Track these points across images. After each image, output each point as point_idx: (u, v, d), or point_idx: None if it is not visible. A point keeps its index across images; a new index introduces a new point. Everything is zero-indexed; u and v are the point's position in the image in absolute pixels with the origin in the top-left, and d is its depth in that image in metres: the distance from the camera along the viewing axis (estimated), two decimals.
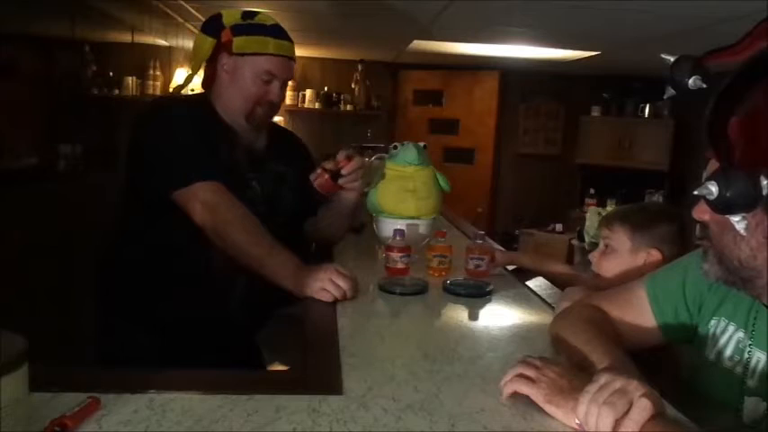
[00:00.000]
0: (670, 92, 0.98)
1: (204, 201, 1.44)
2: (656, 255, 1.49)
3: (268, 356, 1.83)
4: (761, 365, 0.99)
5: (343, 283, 1.39)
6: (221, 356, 1.43)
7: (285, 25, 1.65)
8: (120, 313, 1.60)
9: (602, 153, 6.08)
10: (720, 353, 1.07)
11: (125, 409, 0.86)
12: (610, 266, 1.53)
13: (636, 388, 0.82)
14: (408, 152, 1.90)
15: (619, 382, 0.83)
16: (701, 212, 0.97)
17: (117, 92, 3.18)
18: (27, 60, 2.34)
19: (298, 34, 4.54)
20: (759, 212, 0.87)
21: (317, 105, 5.85)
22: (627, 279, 1.42)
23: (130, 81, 3.38)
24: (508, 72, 6.12)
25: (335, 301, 1.38)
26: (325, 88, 5.94)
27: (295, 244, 1.55)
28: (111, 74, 3.11)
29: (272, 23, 1.61)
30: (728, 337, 1.07)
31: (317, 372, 1.06)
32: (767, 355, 0.99)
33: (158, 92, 3.79)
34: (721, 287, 1.05)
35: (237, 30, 1.57)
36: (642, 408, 0.80)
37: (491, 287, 1.59)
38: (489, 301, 1.54)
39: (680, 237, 1.50)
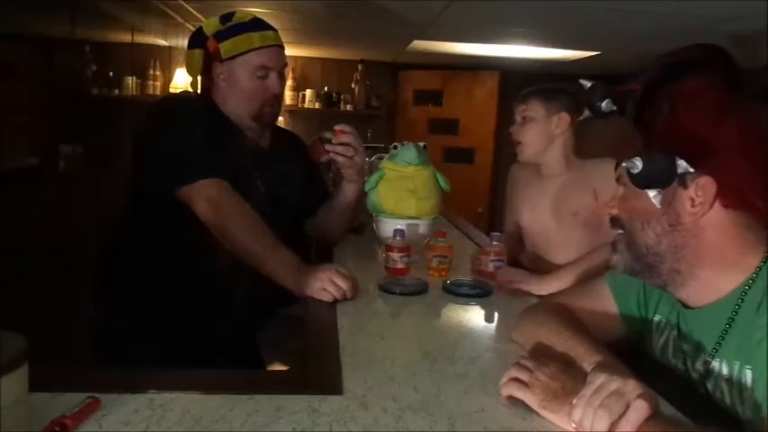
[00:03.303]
0: (586, 113, 1.14)
1: (208, 198, 1.45)
2: (565, 117, 1.91)
3: (268, 356, 1.83)
4: (693, 362, 1.03)
5: (343, 284, 1.39)
6: (221, 356, 1.43)
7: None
8: (121, 312, 1.61)
9: (602, 153, 6.07)
10: (663, 350, 1.12)
11: (125, 409, 0.86)
12: (530, 134, 1.92)
13: (633, 389, 0.82)
14: (408, 152, 1.90)
15: (615, 384, 0.83)
16: (610, 208, 1.08)
17: (117, 92, 3.19)
18: (27, 60, 2.34)
19: (298, 34, 4.55)
20: (671, 189, 0.98)
21: (317, 105, 5.85)
22: (545, 146, 1.92)
23: (130, 81, 3.39)
24: (508, 72, 6.11)
25: (335, 301, 1.38)
26: (326, 88, 5.94)
27: (296, 243, 1.55)
28: (111, 74, 3.11)
29: (250, 18, 1.62)
30: (667, 335, 1.11)
31: (317, 372, 1.06)
32: (695, 350, 1.02)
33: (158, 92, 3.79)
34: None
35: (220, 36, 1.59)
36: (639, 409, 0.80)
37: (491, 287, 1.59)
38: (489, 301, 1.54)
39: (577, 102, 1.92)
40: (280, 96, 1.66)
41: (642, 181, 0.99)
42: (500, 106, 6.23)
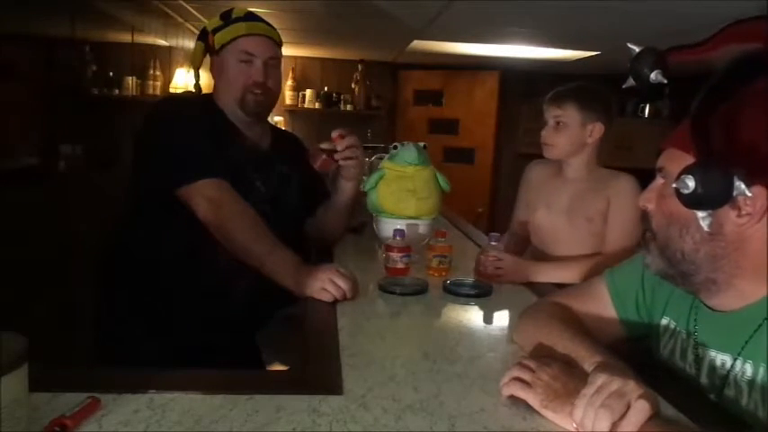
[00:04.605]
0: (630, 82, 1.00)
1: (209, 197, 1.45)
2: (600, 127, 1.86)
3: (268, 356, 1.83)
4: (708, 364, 1.01)
5: (343, 284, 1.39)
6: (221, 356, 1.43)
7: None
8: (121, 312, 1.61)
9: (602, 153, 6.06)
10: (670, 353, 1.09)
11: (125, 409, 0.86)
12: (562, 141, 1.87)
13: (633, 389, 0.82)
14: (408, 152, 1.90)
15: (615, 384, 0.83)
16: (647, 201, 1.01)
17: (117, 92, 3.18)
18: (27, 60, 2.34)
19: (297, 34, 4.55)
20: (723, 210, 0.90)
21: (316, 105, 5.85)
22: (575, 151, 1.87)
23: (130, 81, 3.38)
24: (508, 72, 6.11)
25: (335, 301, 1.38)
26: (326, 88, 5.94)
27: (297, 244, 1.55)
28: (111, 74, 3.11)
29: (245, 13, 1.66)
30: (675, 337, 1.09)
31: (317, 372, 1.06)
32: (714, 352, 1.00)
33: (158, 92, 3.79)
34: (668, 285, 1.07)
35: (216, 30, 1.63)
36: (640, 410, 0.80)
37: (491, 287, 1.59)
38: (489, 301, 1.54)
39: (611, 109, 1.90)
40: (267, 87, 1.63)
41: (693, 202, 0.89)
42: (500, 106, 6.24)
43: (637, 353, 1.17)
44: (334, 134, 1.70)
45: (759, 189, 0.87)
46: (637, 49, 0.99)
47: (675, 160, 0.95)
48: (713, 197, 0.88)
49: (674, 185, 0.91)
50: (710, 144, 0.89)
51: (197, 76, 1.71)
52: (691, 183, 0.87)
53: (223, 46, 1.61)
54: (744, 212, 0.89)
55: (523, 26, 3.77)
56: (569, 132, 1.86)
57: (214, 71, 1.66)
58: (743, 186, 0.86)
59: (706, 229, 0.91)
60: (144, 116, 1.65)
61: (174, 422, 0.84)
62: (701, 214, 0.91)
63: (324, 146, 1.69)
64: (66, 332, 2.12)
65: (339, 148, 1.68)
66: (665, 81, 0.97)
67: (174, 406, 0.88)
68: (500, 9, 3.27)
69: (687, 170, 0.88)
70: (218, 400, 0.90)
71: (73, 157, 2.67)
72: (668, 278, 1.02)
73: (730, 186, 0.86)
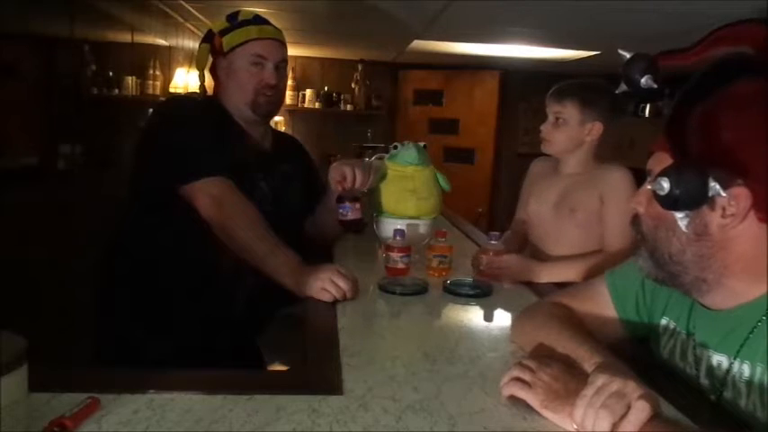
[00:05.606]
0: (622, 87, 1.02)
1: (212, 195, 1.46)
2: (599, 126, 1.86)
3: (268, 356, 1.83)
4: (707, 364, 1.01)
5: (343, 284, 1.39)
6: (222, 356, 1.43)
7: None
8: (121, 312, 1.61)
9: (601, 151, 6.05)
10: (671, 353, 1.09)
11: (125, 409, 0.86)
12: (560, 138, 1.88)
13: (633, 389, 0.82)
14: (408, 152, 1.90)
15: (616, 384, 0.83)
16: (638, 204, 1.01)
17: (117, 92, 3.18)
18: (27, 60, 2.34)
19: (297, 34, 4.55)
20: (701, 211, 0.91)
21: (316, 105, 5.85)
22: (572, 148, 1.88)
23: (130, 81, 3.38)
24: (508, 72, 6.11)
25: (335, 301, 1.38)
26: (326, 88, 5.94)
27: (298, 243, 1.56)
28: (110, 74, 3.10)
29: (253, 15, 1.67)
30: (675, 338, 1.08)
31: (317, 372, 1.06)
32: (712, 352, 0.99)
33: (158, 92, 3.79)
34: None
35: (223, 32, 1.64)
36: (640, 410, 0.80)
37: (491, 287, 1.59)
38: (489, 301, 1.54)
39: (613, 108, 1.88)
40: (277, 89, 1.67)
41: (669, 203, 0.90)
42: (500, 106, 6.24)
43: (641, 354, 1.16)
44: (337, 178, 1.68)
45: (741, 189, 0.88)
46: (628, 55, 1.01)
47: (661, 163, 0.95)
48: (689, 198, 0.88)
49: (648, 187, 0.92)
50: (687, 145, 0.90)
51: (202, 78, 1.71)
52: (666, 184, 0.87)
53: (232, 48, 1.61)
54: (728, 213, 0.89)
55: (523, 26, 3.77)
56: (568, 129, 1.87)
57: (219, 72, 1.66)
58: (718, 187, 0.87)
59: (684, 230, 0.92)
60: (148, 116, 1.66)
61: (174, 422, 0.84)
62: (679, 215, 0.92)
63: (348, 196, 1.68)
64: (66, 332, 2.12)
65: (362, 188, 1.69)
66: (656, 86, 0.98)
67: (173, 406, 0.88)
68: (500, 9, 3.27)
69: (663, 172, 0.89)
70: (218, 400, 0.90)
71: (73, 156, 2.67)
72: (659, 281, 1.03)
73: (705, 187, 0.86)
